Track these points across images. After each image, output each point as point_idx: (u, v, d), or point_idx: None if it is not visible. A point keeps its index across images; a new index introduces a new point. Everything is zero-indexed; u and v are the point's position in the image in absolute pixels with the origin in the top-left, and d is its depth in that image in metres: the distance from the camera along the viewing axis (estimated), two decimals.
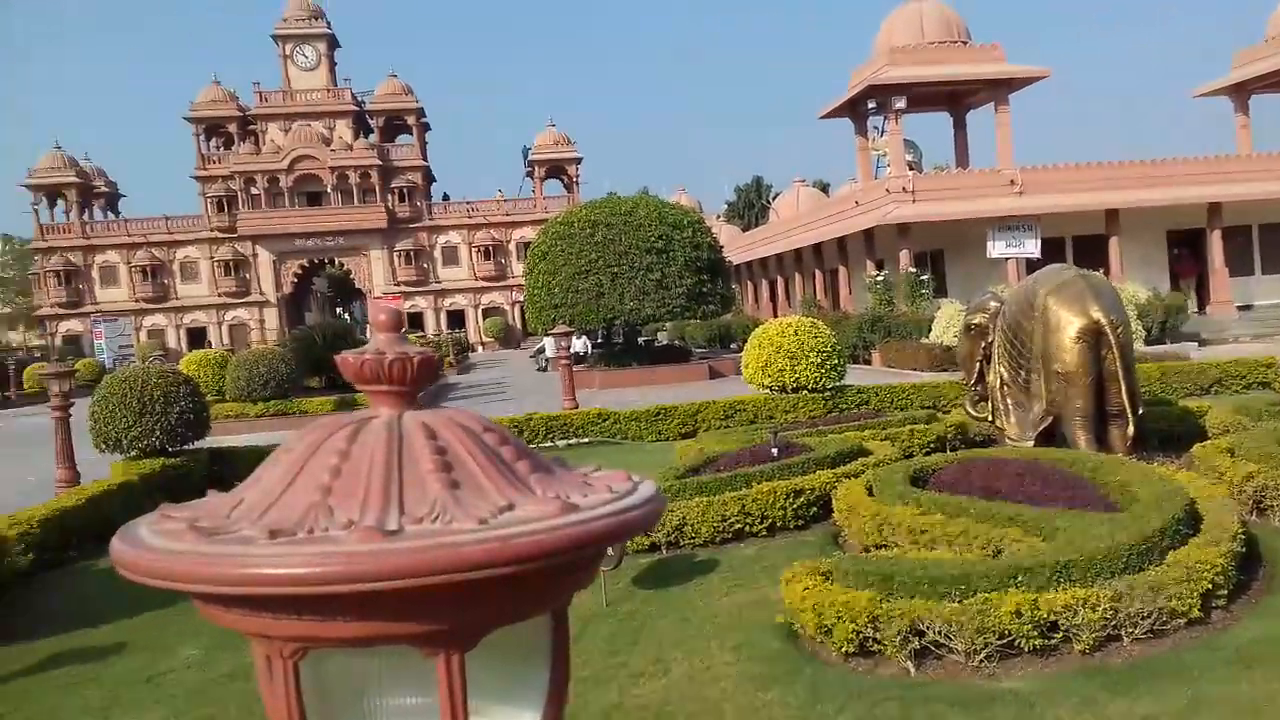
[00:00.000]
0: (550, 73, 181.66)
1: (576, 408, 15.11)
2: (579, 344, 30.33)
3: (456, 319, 62.69)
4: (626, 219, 24.99)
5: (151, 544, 0.87)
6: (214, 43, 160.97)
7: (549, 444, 13.92)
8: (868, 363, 25.33)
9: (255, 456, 12.14)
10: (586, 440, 14.08)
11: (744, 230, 64.54)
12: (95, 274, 60.56)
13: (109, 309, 57.67)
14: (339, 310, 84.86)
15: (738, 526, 7.73)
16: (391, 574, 0.78)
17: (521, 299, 60.13)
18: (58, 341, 58.66)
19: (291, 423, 19.11)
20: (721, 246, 28.07)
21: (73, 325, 59.68)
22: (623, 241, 24.69)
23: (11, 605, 7.38)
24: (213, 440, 13.02)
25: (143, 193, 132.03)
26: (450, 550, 0.79)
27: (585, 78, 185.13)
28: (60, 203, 60.54)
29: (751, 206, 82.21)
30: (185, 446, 11.65)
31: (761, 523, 7.80)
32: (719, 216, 72.99)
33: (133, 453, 11.15)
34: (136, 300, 60.07)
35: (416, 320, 60.81)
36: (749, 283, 51.26)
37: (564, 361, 15.52)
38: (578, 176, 64.80)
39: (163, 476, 10.88)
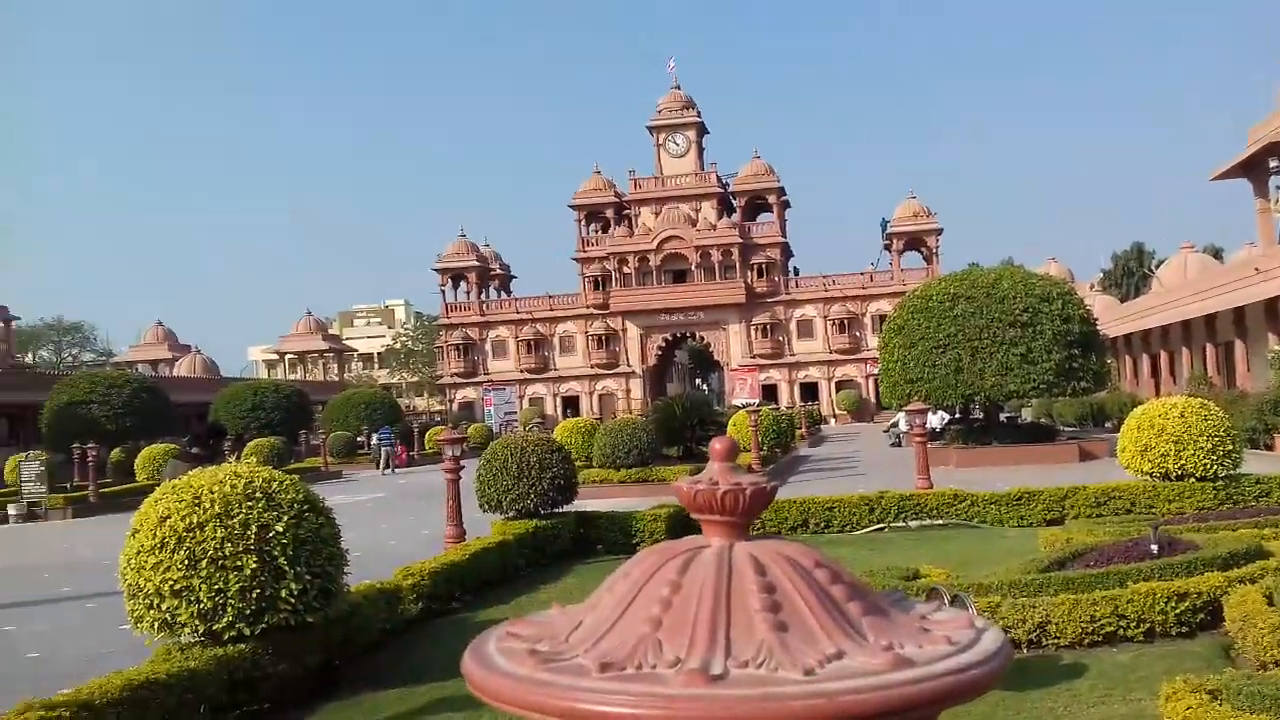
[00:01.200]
0: (911, 144, 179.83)
1: (931, 487, 14.53)
2: (935, 419, 29.28)
3: (810, 391, 62.79)
4: (989, 291, 24.01)
5: (496, 665, 0.93)
6: (596, 138, 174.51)
7: (900, 524, 13.48)
8: (1269, 448, 22.41)
9: (616, 522, 12.75)
10: (940, 522, 13.48)
11: (1121, 300, 59.88)
12: (488, 347, 66.96)
13: (498, 378, 63.41)
14: (698, 381, 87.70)
15: (1109, 629, 7.02)
16: None
17: (876, 372, 59.27)
18: (454, 407, 65.27)
19: (650, 489, 19.88)
20: (1095, 319, 26.17)
21: (467, 393, 66.16)
22: (984, 315, 23.71)
23: (402, 650, 8.16)
24: (579, 503, 13.81)
25: (530, 274, 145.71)
26: (773, 704, 0.77)
27: (950, 147, 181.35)
28: (462, 284, 67.74)
29: (1130, 275, 76.12)
30: (555, 510, 12.45)
31: (1137, 627, 7.04)
32: (1093, 286, 68.17)
33: (510, 513, 12.07)
34: (521, 370, 65.66)
35: (771, 392, 61.52)
36: (1126, 357, 47.32)
37: (919, 438, 15.02)
38: (937, 248, 63.30)
39: (534, 536, 11.67)
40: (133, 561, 6.34)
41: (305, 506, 6.68)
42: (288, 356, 70.81)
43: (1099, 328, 26.84)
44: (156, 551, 6.23)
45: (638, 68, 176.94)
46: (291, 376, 65.64)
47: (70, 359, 77.66)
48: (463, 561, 9.90)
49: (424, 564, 9.48)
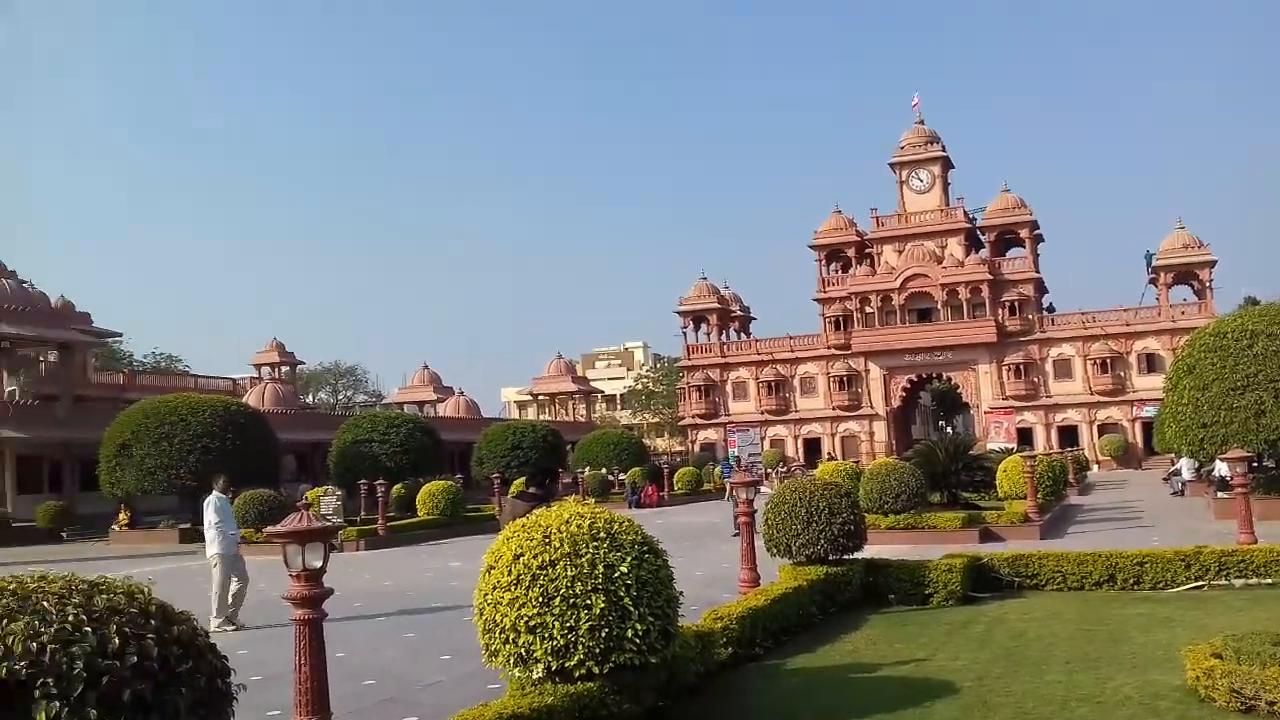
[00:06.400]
0: (1178, 171, 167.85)
1: (1254, 542, 13.30)
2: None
3: (1069, 435, 59.46)
4: None
5: None
6: (836, 176, 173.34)
7: (1223, 582, 12.38)
8: None
9: (907, 571, 12.35)
10: (1269, 582, 12.28)
11: None
12: (729, 388, 67.44)
13: (738, 419, 63.67)
14: (942, 423, 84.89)
15: None
16: None
17: (1144, 415, 55.48)
18: (696, 448, 65.91)
19: (919, 536, 19.26)
20: None
21: (708, 434, 66.74)
22: None
23: (717, 696, 8.17)
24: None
25: (769, 315, 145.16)
26: None
27: (1220, 171, 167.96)
28: (703, 326, 68.69)
29: None
30: (844, 557, 12.22)
31: None
32: None
33: (800, 559, 11.94)
34: (762, 412, 65.64)
35: (1026, 436, 58.76)
36: None
37: (1240, 489, 13.78)
38: (1210, 281, 58.77)
39: (824, 583, 11.47)
40: (489, 597, 6.64)
41: (645, 548, 6.82)
42: (539, 397, 73.72)
43: None
44: (512, 588, 6.50)
45: (881, 104, 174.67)
46: (542, 417, 68.24)
47: (346, 400, 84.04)
48: (764, 607, 9.84)
49: (730, 608, 9.49)
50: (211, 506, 13.22)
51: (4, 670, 3.25)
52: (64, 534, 33.32)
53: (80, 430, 37.02)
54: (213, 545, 12.96)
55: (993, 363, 61.23)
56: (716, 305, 67.93)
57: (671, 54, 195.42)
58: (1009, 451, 38.47)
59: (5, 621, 3.40)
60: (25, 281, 43.67)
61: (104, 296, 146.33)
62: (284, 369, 62.35)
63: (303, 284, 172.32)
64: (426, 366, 69.56)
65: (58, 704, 3.23)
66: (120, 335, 59.01)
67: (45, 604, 3.52)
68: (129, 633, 3.45)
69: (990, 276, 60.92)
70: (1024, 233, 62.45)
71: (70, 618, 3.44)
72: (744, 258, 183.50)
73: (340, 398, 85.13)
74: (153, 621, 3.59)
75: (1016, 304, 61.23)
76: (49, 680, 3.26)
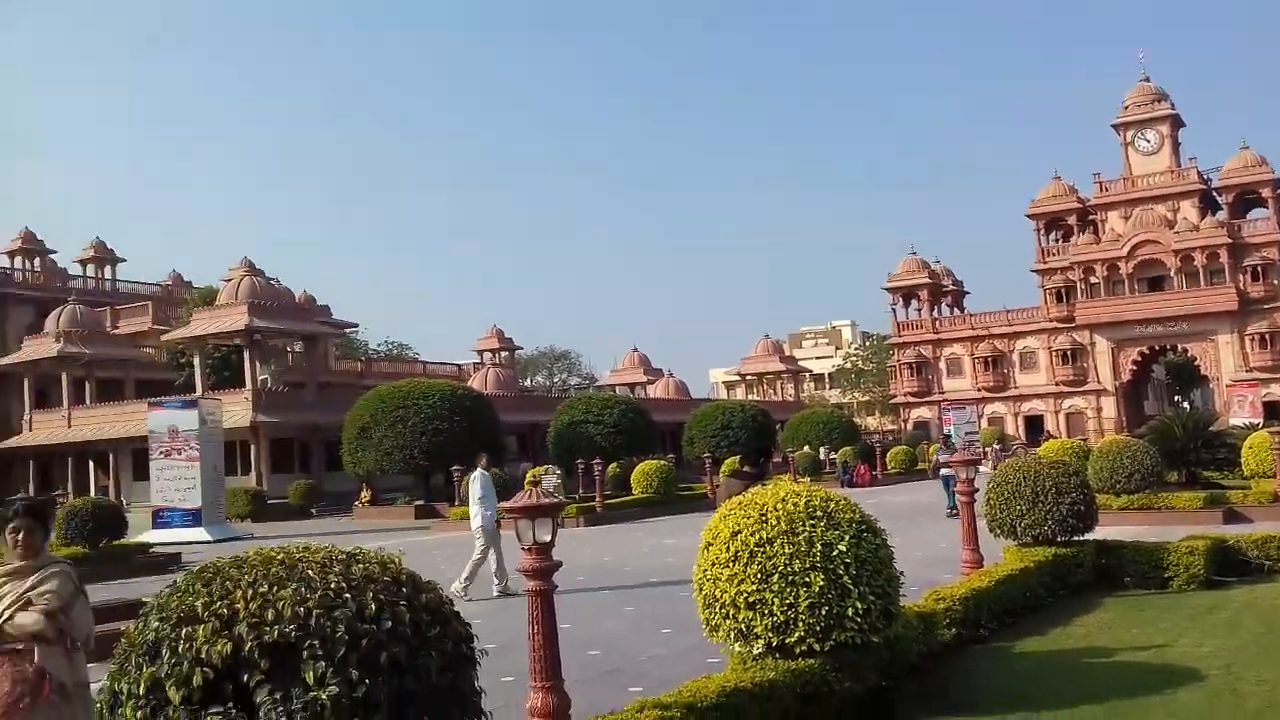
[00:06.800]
0: None
1: None
2: None
3: None
4: None
5: None
6: (1051, 141, 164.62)
7: None
8: None
9: (1143, 553, 11.67)
10: None
11: None
12: (942, 365, 65.48)
13: (953, 397, 61.66)
14: (1177, 398, 79.47)
15: None
16: None
17: None
18: (909, 427, 64.34)
19: (1155, 517, 18.12)
20: None
21: (921, 412, 65.02)
22: None
23: (943, 675, 8.00)
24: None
25: (983, 288, 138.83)
26: None
27: None
28: (913, 302, 66.95)
29: None
30: (1074, 537, 11.68)
31: None
32: None
33: (1025, 539, 11.51)
34: (978, 389, 63.33)
35: (1273, 410, 54.04)
36: None
37: None
38: None
39: (1053, 565, 11.02)
40: (708, 573, 6.75)
41: (863, 527, 6.76)
42: (747, 378, 73.79)
43: None
44: (730, 565, 6.59)
45: (1099, 63, 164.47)
46: (750, 397, 68.23)
47: (561, 383, 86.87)
48: (989, 588, 9.56)
49: (953, 589, 9.28)
50: (477, 483, 13.93)
51: (276, 633, 3.55)
52: (313, 510, 36.09)
53: (325, 414, 39.99)
54: (476, 519, 13.63)
55: (1234, 332, 56.79)
56: (927, 280, 65.95)
57: (872, 27, 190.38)
58: (1254, 427, 35.59)
59: (276, 588, 3.73)
60: (273, 279, 47.35)
61: (340, 288, 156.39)
62: (503, 354, 65.10)
63: (523, 272, 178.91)
64: (636, 349, 70.81)
65: (323, 664, 3.52)
66: (357, 326, 63.17)
67: (310, 572, 3.84)
68: (384, 599, 3.73)
69: (1229, 240, 56.45)
70: (1266, 192, 57.54)
71: (332, 585, 3.74)
72: (954, 230, 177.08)
73: (555, 381, 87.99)
74: (404, 590, 3.86)
75: (1260, 269, 56.50)
76: (315, 642, 3.55)
